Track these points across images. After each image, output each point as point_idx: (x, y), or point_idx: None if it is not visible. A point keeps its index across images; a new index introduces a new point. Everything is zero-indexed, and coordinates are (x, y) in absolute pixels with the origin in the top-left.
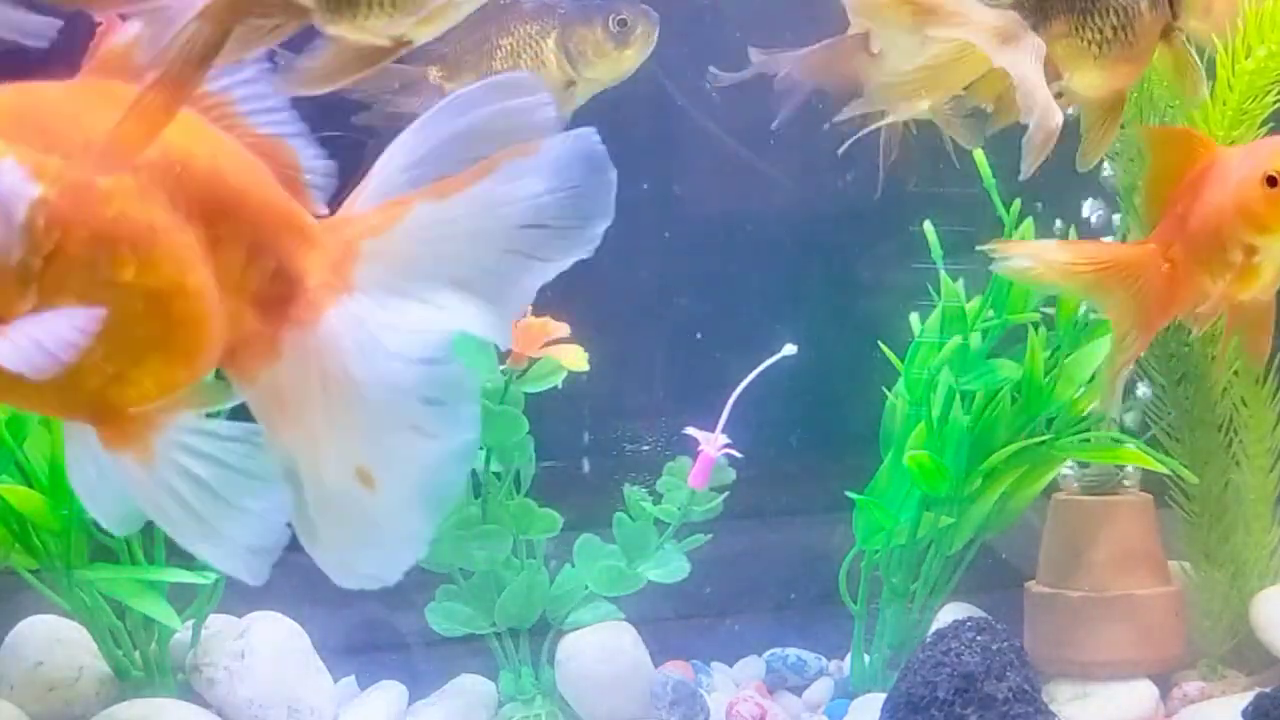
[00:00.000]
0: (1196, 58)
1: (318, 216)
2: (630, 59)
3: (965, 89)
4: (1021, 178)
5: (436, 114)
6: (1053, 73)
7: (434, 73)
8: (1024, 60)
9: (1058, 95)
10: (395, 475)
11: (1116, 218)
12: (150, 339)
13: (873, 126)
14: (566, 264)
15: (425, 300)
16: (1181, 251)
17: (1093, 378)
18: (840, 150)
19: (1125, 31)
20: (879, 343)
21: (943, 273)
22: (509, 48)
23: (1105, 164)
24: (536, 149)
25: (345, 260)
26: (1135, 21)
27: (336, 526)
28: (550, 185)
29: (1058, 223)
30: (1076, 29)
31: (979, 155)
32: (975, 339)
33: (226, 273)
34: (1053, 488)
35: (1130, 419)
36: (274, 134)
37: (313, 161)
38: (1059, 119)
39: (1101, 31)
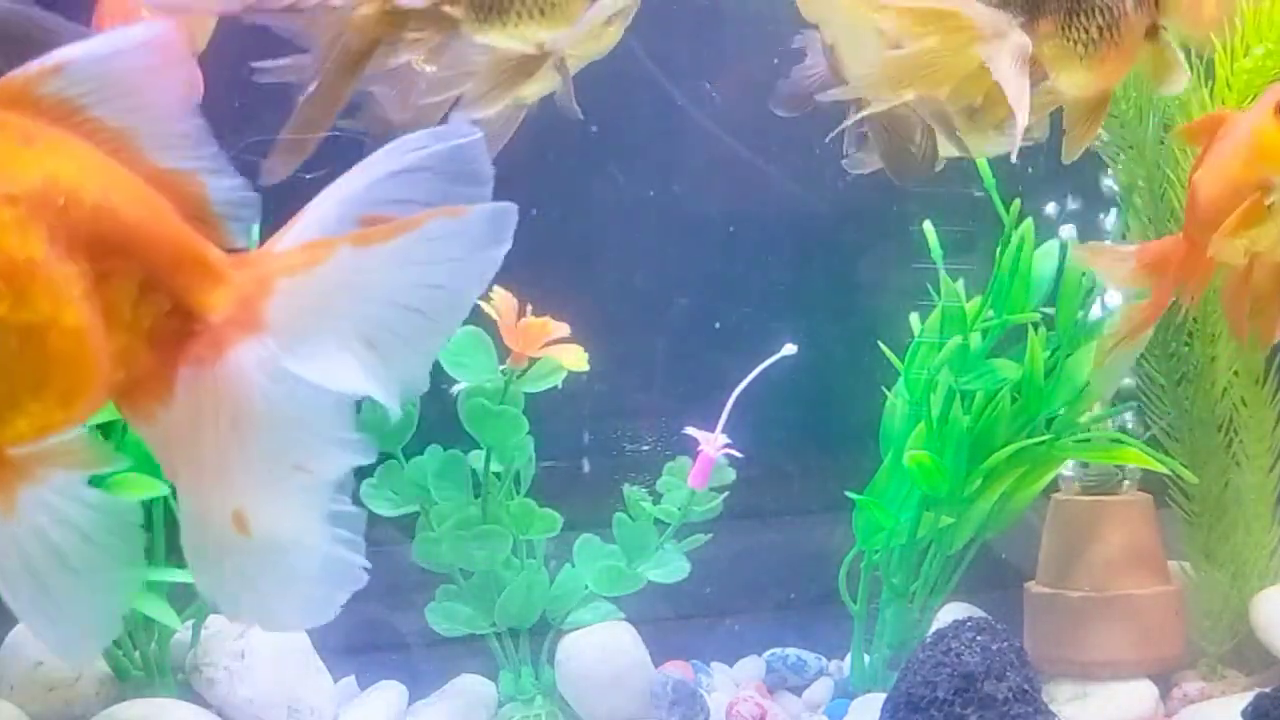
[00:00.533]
0: (1181, 56)
1: (234, 250)
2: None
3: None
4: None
5: (375, 160)
6: (1039, 72)
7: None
8: (1006, 57)
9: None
10: (270, 520)
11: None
12: (26, 377)
13: (858, 115)
14: (452, 330)
15: (334, 349)
16: (1191, 220)
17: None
18: (829, 137)
19: (1111, 31)
20: (879, 343)
21: (943, 273)
22: None
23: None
24: (464, 213)
25: (258, 297)
26: (1121, 21)
27: (215, 573)
28: (469, 252)
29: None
30: (1063, 29)
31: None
32: (975, 339)
33: (117, 309)
34: (1053, 488)
35: (1130, 419)
36: (181, 167)
37: (228, 194)
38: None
39: (1088, 31)
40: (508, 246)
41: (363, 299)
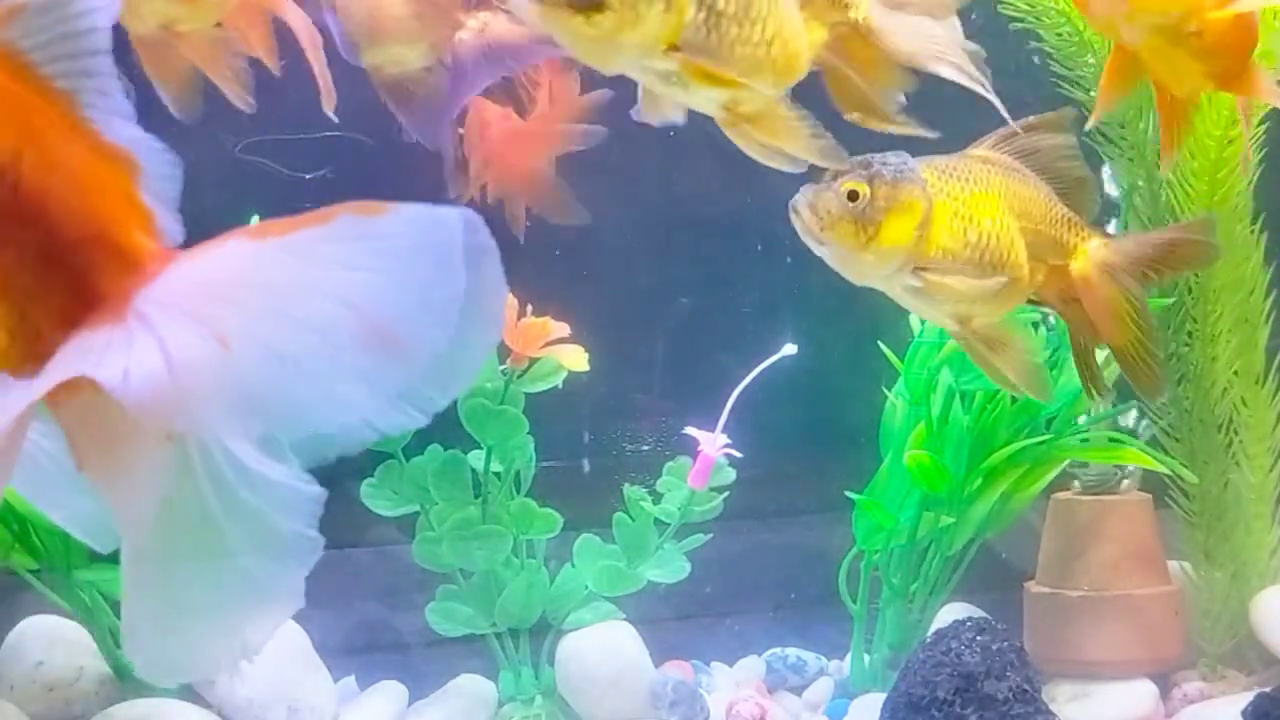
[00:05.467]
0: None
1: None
2: None
3: None
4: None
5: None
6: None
7: None
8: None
9: None
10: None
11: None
12: None
13: None
14: (382, 387)
15: (192, 339)
16: None
17: None
18: None
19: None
20: (879, 343)
21: None
22: None
23: (1106, 165)
24: (384, 212)
25: (141, 284)
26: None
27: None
28: (388, 266)
29: None
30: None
31: None
32: None
33: (13, 280)
34: (1053, 488)
35: (1130, 419)
36: (119, 143)
37: (161, 182)
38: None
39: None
40: (458, 278)
41: (244, 302)
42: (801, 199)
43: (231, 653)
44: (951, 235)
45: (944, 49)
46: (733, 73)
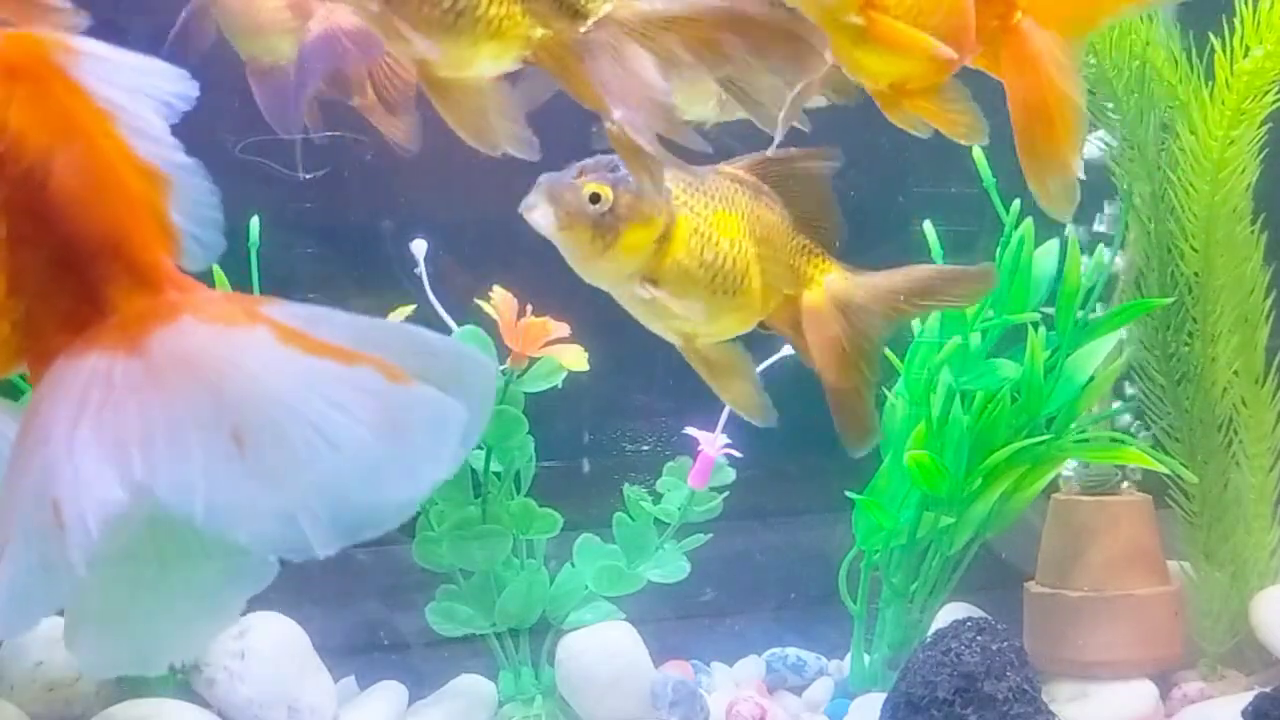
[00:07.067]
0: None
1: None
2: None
3: None
4: None
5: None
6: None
7: None
8: None
9: None
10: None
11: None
12: None
13: None
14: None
15: (198, 422)
16: None
17: (1093, 378)
18: None
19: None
20: None
21: None
22: None
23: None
24: (405, 381)
25: (153, 320)
26: None
27: None
28: (382, 426)
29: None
30: None
31: (979, 155)
32: (975, 339)
33: (26, 278)
34: (1053, 488)
35: (1130, 419)
36: (152, 162)
37: (193, 207)
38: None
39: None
40: (442, 471)
41: (251, 393)
42: (541, 191)
43: (170, 655)
44: (689, 253)
45: (640, 104)
46: (415, 28)
